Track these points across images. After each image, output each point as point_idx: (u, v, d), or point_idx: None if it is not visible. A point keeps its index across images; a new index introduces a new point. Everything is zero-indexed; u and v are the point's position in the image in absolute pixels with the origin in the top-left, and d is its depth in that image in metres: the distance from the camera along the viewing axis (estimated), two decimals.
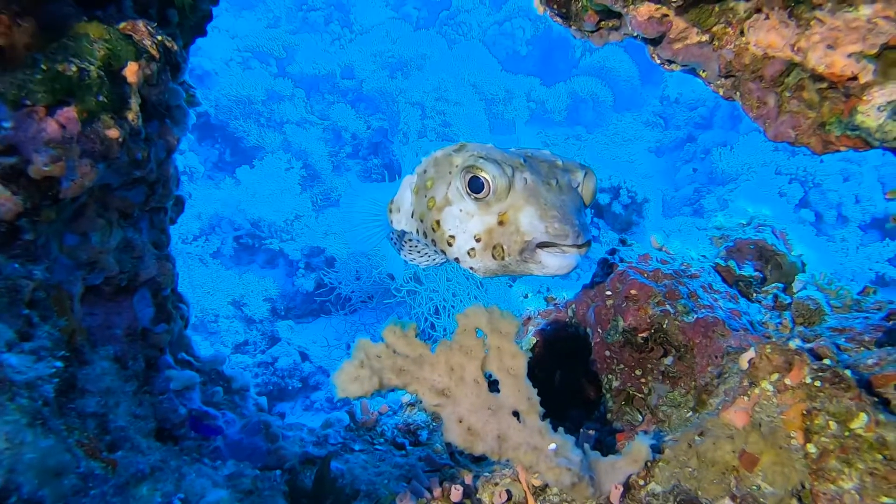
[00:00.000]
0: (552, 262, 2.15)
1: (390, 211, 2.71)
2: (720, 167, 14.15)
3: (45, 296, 2.15)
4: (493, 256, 2.20)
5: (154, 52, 2.51)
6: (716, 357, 2.60)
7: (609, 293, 2.96)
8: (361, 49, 18.37)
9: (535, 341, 3.37)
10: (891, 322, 2.73)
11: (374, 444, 3.04)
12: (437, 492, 2.36)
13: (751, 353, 2.14)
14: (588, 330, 3.12)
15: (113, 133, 2.27)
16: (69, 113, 2.18)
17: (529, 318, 3.58)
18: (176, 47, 2.70)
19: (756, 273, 3.36)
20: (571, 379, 3.21)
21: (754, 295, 3.25)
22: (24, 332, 1.92)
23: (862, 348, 2.64)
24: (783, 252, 3.51)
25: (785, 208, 12.44)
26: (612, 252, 3.20)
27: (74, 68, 2.17)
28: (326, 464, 2.37)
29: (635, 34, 2.28)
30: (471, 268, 2.32)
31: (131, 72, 2.40)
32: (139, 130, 2.46)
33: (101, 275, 2.62)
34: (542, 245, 2.13)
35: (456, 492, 2.27)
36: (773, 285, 3.27)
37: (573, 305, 3.32)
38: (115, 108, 2.32)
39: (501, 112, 17.51)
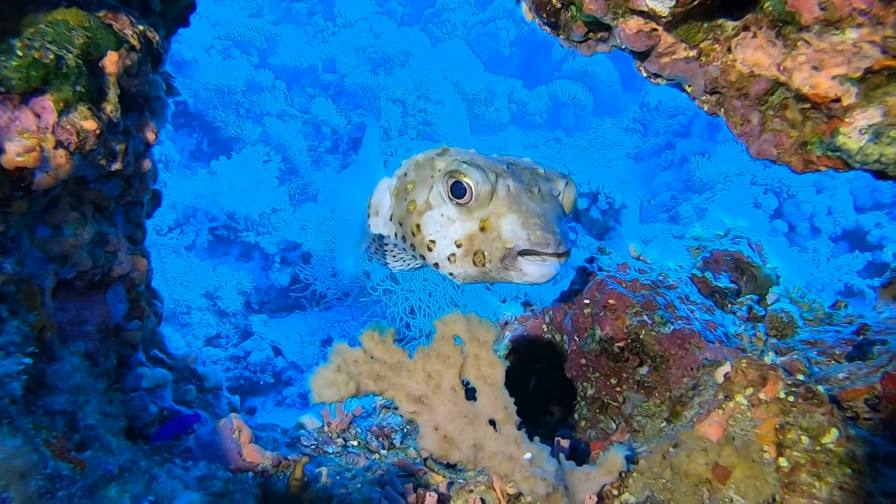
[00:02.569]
0: (533, 270, 2.14)
1: (368, 215, 2.67)
2: (697, 175, 14.32)
3: (14, 289, 2.09)
4: (474, 263, 2.19)
5: (135, 42, 2.45)
6: (691, 369, 2.62)
7: (587, 301, 2.97)
8: (344, 43, 18.27)
9: (511, 347, 3.36)
10: (861, 336, 2.77)
11: (347, 447, 3.02)
12: (412, 498, 2.34)
13: (726, 367, 2.16)
14: (565, 337, 3.13)
15: (90, 124, 2.21)
16: (45, 102, 2.12)
17: (506, 324, 3.57)
18: (157, 37, 2.64)
19: (731, 285, 3.40)
20: (547, 385, 3.22)
21: (729, 306, 3.28)
22: None
23: (833, 362, 2.68)
24: (758, 264, 3.55)
25: (760, 218, 12.63)
26: (591, 260, 3.20)
27: (52, 55, 2.11)
28: (300, 467, 2.35)
29: (623, 47, 2.28)
30: (450, 273, 2.30)
31: (111, 62, 2.34)
32: (117, 122, 2.40)
33: (73, 269, 2.56)
34: (522, 253, 2.12)
35: (430, 499, 2.26)
36: (748, 297, 3.31)
37: (550, 312, 3.33)
38: (93, 99, 2.26)
39: (483, 112, 17.54)
